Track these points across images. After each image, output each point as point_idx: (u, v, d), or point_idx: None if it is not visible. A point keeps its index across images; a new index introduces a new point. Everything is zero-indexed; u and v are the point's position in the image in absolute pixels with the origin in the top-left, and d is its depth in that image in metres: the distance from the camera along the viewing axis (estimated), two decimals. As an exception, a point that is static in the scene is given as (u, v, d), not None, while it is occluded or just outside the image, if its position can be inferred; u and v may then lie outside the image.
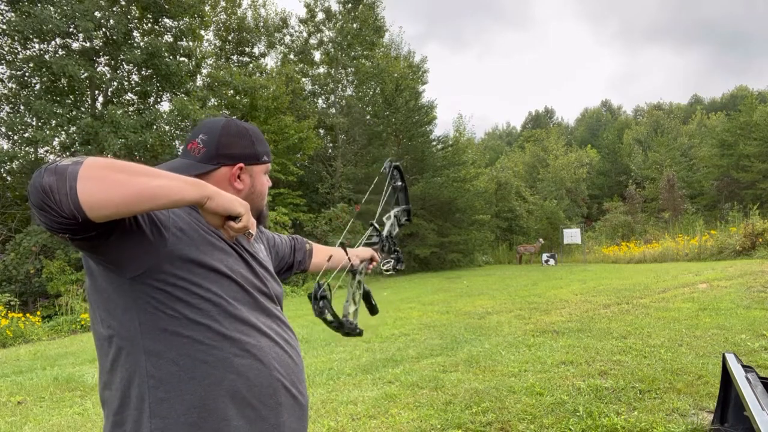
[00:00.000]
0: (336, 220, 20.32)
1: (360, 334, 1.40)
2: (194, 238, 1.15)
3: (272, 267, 1.44)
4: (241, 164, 1.27)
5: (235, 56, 24.76)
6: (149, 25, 17.98)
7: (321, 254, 1.80)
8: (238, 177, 1.27)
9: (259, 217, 1.37)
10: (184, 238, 1.12)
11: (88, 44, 16.59)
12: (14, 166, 16.92)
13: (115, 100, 17.54)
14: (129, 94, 18.32)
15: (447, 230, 22.63)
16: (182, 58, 18.20)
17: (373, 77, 25.24)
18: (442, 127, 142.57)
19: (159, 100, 19.11)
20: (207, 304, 1.13)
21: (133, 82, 18.32)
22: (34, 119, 14.98)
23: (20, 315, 10.32)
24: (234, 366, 1.14)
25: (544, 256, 21.73)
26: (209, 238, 1.18)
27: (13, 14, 14.89)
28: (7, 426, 4.39)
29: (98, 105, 17.42)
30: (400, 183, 1.96)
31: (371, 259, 1.80)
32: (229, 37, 24.34)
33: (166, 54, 17.15)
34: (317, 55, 27.40)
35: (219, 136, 1.26)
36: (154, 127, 16.32)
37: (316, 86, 27.19)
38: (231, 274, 1.19)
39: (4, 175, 17.56)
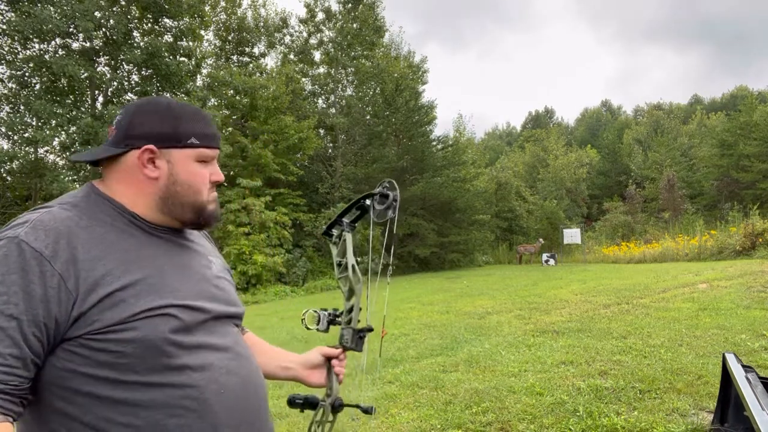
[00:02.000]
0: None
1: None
2: None
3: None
4: (151, 146, 1.01)
5: (235, 56, 24.76)
6: (149, 25, 17.98)
7: (260, 351, 1.31)
8: (151, 162, 1.02)
9: (201, 218, 1.09)
10: None
11: (88, 44, 16.60)
12: (14, 166, 16.92)
13: (115, 100, 17.54)
14: (129, 94, 18.32)
15: (447, 230, 22.63)
16: (182, 58, 18.21)
17: (373, 77, 25.25)
18: (442, 127, 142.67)
19: (159, 100, 19.11)
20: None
21: (133, 82, 18.33)
22: (34, 119, 14.98)
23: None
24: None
25: (544, 256, 21.73)
26: None
27: (13, 14, 14.89)
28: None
29: (98, 105, 17.43)
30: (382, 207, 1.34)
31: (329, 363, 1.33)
32: (229, 37, 24.34)
33: (166, 54, 17.16)
34: (317, 55, 27.41)
35: (132, 114, 1.04)
36: (154, 127, 16.30)
37: (316, 86, 27.19)
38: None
39: (4, 175, 17.56)
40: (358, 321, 1.33)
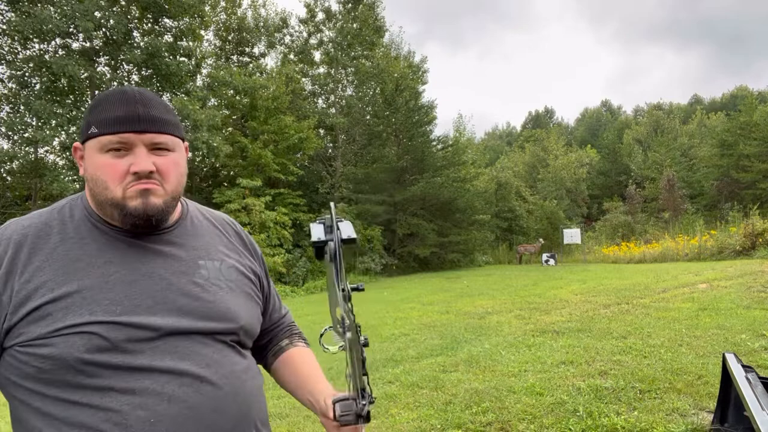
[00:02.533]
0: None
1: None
2: None
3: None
4: (77, 142, 0.97)
5: (235, 56, 24.76)
6: (149, 25, 17.98)
7: (297, 371, 1.18)
8: (81, 159, 0.97)
9: (123, 218, 0.93)
10: None
11: (88, 44, 16.60)
12: (14, 166, 16.92)
13: (115, 100, 17.54)
14: (129, 94, 18.32)
15: (447, 230, 22.63)
16: (182, 58, 18.20)
17: (373, 77, 25.25)
18: (442, 126, 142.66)
19: (159, 100, 19.10)
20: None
21: (133, 82, 18.33)
22: (34, 119, 14.98)
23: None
24: None
25: (544, 256, 21.73)
26: None
27: (13, 14, 14.89)
28: (7, 426, 4.38)
29: (98, 105, 17.42)
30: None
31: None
32: (229, 37, 24.34)
33: (166, 54, 17.16)
34: (317, 55, 27.40)
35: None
36: (154, 127, 16.30)
37: (316, 86, 27.19)
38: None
39: (4, 175, 17.56)
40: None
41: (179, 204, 1.05)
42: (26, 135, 15.22)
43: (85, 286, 0.88)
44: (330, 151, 26.54)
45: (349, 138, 26.22)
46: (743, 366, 2.57)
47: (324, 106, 27.43)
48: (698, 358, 4.66)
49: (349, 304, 0.92)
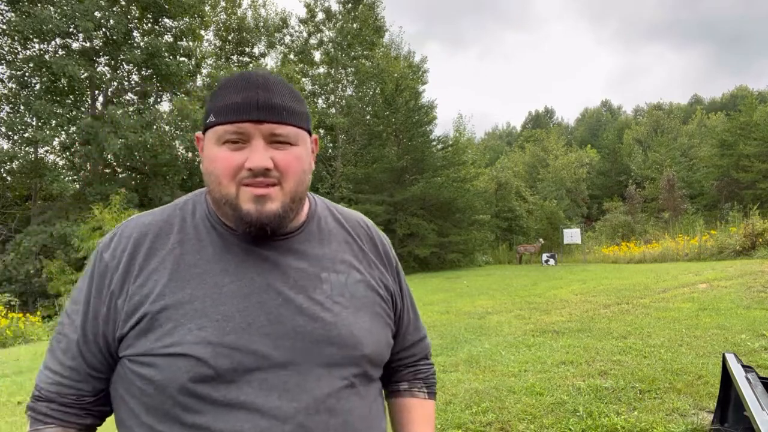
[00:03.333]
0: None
1: None
2: None
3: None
4: (198, 132, 0.89)
5: (235, 56, 24.77)
6: (149, 25, 17.98)
7: (401, 427, 1.03)
8: (202, 151, 0.87)
9: (237, 220, 0.82)
10: None
11: (88, 44, 16.60)
12: (14, 166, 16.93)
13: (115, 100, 17.54)
14: (129, 94, 18.34)
15: (447, 230, 22.62)
16: (182, 58, 18.21)
17: (373, 77, 25.25)
18: (442, 126, 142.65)
19: (159, 100, 19.13)
20: None
21: (133, 82, 18.34)
22: (34, 119, 14.99)
23: (20, 315, 10.31)
24: None
25: (544, 256, 21.72)
26: None
27: (13, 14, 14.90)
28: (7, 426, 4.39)
29: (98, 105, 17.43)
30: None
31: None
32: (229, 37, 24.34)
33: (166, 54, 17.16)
34: (317, 55, 27.41)
35: None
36: (154, 127, 16.33)
37: (316, 86, 27.20)
38: None
39: (4, 175, 17.57)
40: None
41: (306, 203, 0.93)
42: (26, 135, 15.22)
43: (197, 296, 0.79)
44: (330, 151, 26.55)
45: (349, 138, 26.22)
46: (743, 366, 2.57)
47: (324, 106, 27.45)
48: (698, 358, 4.66)
49: None
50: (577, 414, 3.57)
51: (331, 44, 26.56)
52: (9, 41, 15.51)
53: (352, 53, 26.47)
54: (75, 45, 16.53)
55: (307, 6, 26.89)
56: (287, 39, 27.25)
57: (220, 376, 0.76)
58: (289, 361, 0.79)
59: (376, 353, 0.88)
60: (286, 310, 0.81)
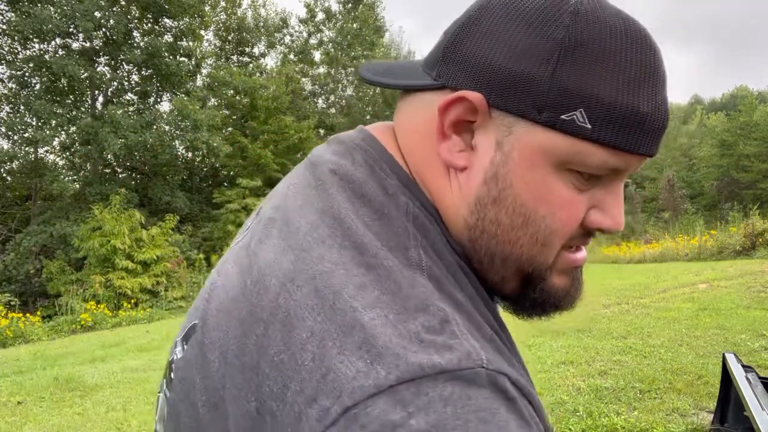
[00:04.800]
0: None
1: None
2: None
3: None
4: (475, 94, 0.43)
5: (235, 56, 24.77)
6: (149, 25, 17.99)
7: None
8: (460, 129, 0.45)
9: (526, 297, 0.49)
10: None
11: (88, 44, 16.61)
12: (14, 166, 16.94)
13: (115, 100, 17.55)
14: (129, 94, 18.34)
15: (447, 230, 22.66)
16: (182, 58, 18.21)
17: (373, 77, 25.26)
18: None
19: (159, 100, 19.13)
20: None
21: (133, 82, 18.34)
22: (34, 119, 14.99)
23: (20, 315, 10.32)
24: None
25: (544, 256, 21.71)
26: None
27: (13, 14, 14.91)
28: (7, 426, 4.39)
29: (98, 105, 17.44)
30: None
31: None
32: (229, 37, 24.34)
33: (166, 54, 17.17)
34: (317, 55, 27.42)
35: (482, 9, 0.45)
36: (154, 127, 16.33)
37: (316, 86, 27.20)
38: None
39: (4, 175, 17.58)
40: None
41: None
42: (26, 135, 15.23)
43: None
44: (330, 151, 26.54)
45: (349, 138, 26.24)
46: (743, 366, 2.57)
47: (324, 106, 27.45)
48: (698, 358, 4.66)
49: None
50: (577, 414, 3.57)
51: (331, 44, 26.56)
52: (9, 41, 15.52)
53: (352, 53, 26.47)
54: (75, 45, 16.54)
55: (307, 6, 26.90)
56: (287, 39, 27.26)
57: None
58: None
59: None
60: None
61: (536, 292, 0.48)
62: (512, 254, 0.45)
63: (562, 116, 0.40)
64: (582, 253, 0.49)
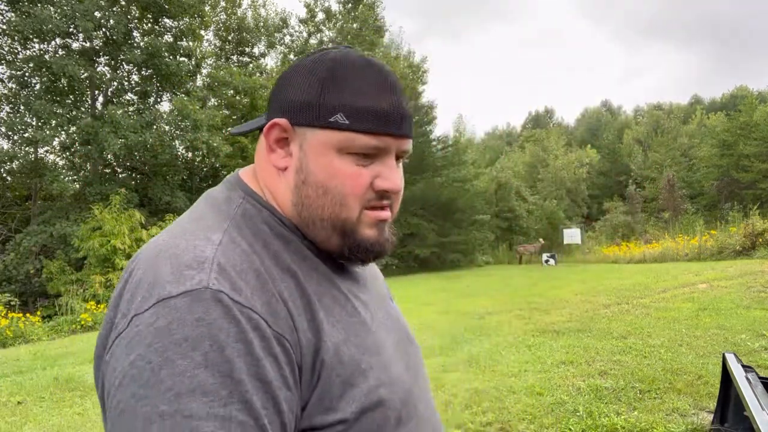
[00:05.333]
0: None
1: None
2: None
3: None
4: (281, 120, 0.68)
5: (235, 56, 24.77)
6: (149, 25, 17.98)
7: None
8: (280, 144, 0.69)
9: (346, 247, 0.69)
10: None
11: (88, 44, 16.61)
12: (14, 166, 16.93)
13: (115, 100, 17.55)
14: (129, 94, 18.33)
15: (447, 230, 22.63)
16: (182, 58, 18.21)
17: (373, 77, 25.26)
18: (442, 126, 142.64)
19: (159, 100, 19.12)
20: None
21: (133, 82, 18.34)
22: (34, 119, 14.99)
23: (20, 315, 10.31)
24: None
25: (544, 256, 21.72)
26: None
27: (13, 14, 14.91)
28: (7, 426, 4.39)
29: (98, 105, 17.43)
30: None
31: None
32: (229, 37, 24.34)
33: (166, 54, 17.16)
34: (317, 55, 27.42)
35: (286, 72, 0.71)
36: (154, 127, 16.32)
37: (316, 86, 27.21)
38: None
39: (4, 175, 17.57)
40: None
41: None
42: (26, 135, 15.22)
43: (353, 332, 0.70)
44: (330, 151, 26.56)
45: (349, 138, 26.24)
46: (743, 366, 2.57)
47: (324, 106, 27.44)
48: (698, 358, 4.66)
49: None
50: (577, 414, 3.57)
51: (331, 44, 26.56)
52: (9, 41, 15.51)
53: (352, 53, 26.45)
54: (75, 45, 16.54)
55: (307, 6, 26.90)
56: (287, 39, 27.26)
57: (400, 419, 0.67)
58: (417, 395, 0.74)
59: None
60: (399, 337, 0.81)
61: (352, 242, 0.69)
62: (324, 216, 0.67)
63: (330, 119, 0.64)
64: (385, 212, 0.70)
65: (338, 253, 0.70)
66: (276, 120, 0.68)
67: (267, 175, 0.71)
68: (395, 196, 0.70)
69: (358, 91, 0.65)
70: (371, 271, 0.84)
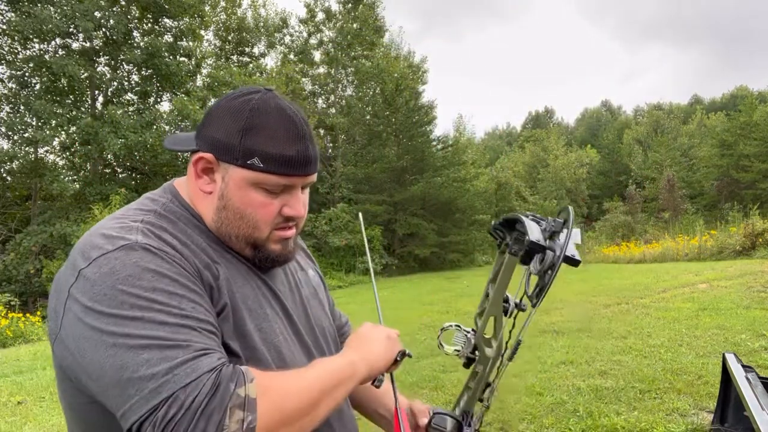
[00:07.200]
0: (336, 220, 20.33)
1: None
2: None
3: None
4: (209, 154, 0.84)
5: (235, 56, 24.77)
6: (149, 25, 17.99)
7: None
8: (206, 173, 0.86)
9: (257, 257, 0.89)
10: None
11: (88, 44, 16.61)
12: (14, 166, 16.92)
13: (115, 100, 17.55)
14: (129, 94, 18.34)
15: (447, 230, 22.63)
16: (182, 58, 18.22)
17: (373, 77, 25.25)
18: (442, 126, 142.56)
19: (159, 100, 19.13)
20: None
21: (133, 82, 18.34)
22: (34, 119, 14.99)
23: (20, 315, 10.32)
24: None
25: (544, 256, 21.70)
26: None
27: (13, 14, 14.91)
28: (7, 426, 4.39)
29: (98, 105, 17.43)
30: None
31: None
32: (229, 37, 24.35)
33: (166, 54, 17.17)
34: (317, 55, 27.42)
35: (218, 106, 0.87)
36: (154, 127, 16.33)
37: (316, 86, 27.20)
38: None
39: (4, 175, 17.57)
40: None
41: None
42: (26, 135, 15.22)
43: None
44: (330, 151, 26.55)
45: (349, 138, 26.22)
46: (743, 366, 2.57)
47: (324, 106, 27.45)
48: (698, 358, 4.66)
49: (512, 322, 1.00)
50: (577, 414, 3.57)
51: (331, 44, 26.56)
52: (9, 41, 15.52)
53: (352, 53, 26.46)
54: (75, 45, 16.55)
55: (307, 6, 26.90)
56: (287, 39, 27.26)
57: None
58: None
59: (333, 336, 1.10)
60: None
61: (261, 254, 0.88)
62: (239, 234, 0.86)
63: (248, 162, 0.81)
64: (290, 231, 0.89)
65: (251, 262, 0.89)
66: (202, 154, 0.85)
67: (194, 193, 0.89)
68: (299, 219, 0.90)
69: (272, 139, 0.82)
70: (295, 266, 1.05)
